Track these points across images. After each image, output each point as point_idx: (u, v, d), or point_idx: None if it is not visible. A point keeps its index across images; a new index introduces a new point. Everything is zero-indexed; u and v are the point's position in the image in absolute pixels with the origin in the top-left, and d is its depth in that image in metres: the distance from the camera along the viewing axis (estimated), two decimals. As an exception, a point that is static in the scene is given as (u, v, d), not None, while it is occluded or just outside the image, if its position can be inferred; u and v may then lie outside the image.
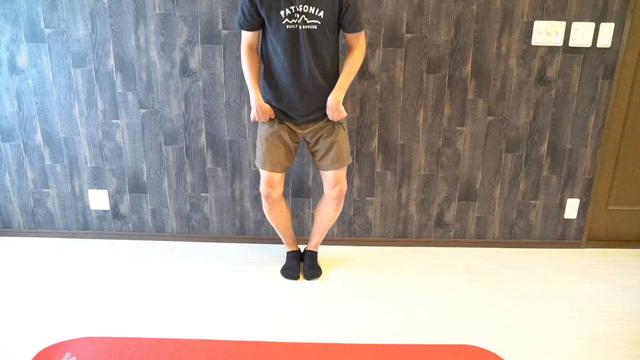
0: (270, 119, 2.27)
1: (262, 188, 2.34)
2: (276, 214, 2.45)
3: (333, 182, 2.32)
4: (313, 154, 2.36)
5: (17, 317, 2.18)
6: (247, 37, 2.18)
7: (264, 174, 2.33)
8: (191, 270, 2.57)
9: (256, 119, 2.25)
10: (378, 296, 2.37)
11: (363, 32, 2.19)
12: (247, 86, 2.23)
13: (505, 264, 2.69)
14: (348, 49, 2.22)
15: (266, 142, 2.28)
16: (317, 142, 2.29)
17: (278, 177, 2.32)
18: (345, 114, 2.22)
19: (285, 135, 2.28)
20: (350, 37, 2.18)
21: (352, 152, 2.68)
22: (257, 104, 2.20)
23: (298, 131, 2.29)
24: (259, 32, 2.18)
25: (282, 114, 2.26)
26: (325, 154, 2.29)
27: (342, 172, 2.33)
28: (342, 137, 2.30)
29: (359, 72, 2.54)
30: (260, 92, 2.28)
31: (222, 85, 2.59)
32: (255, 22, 2.12)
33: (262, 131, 2.30)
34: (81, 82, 2.60)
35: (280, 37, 2.09)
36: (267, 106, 2.23)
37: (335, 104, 2.18)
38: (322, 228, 2.51)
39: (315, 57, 2.13)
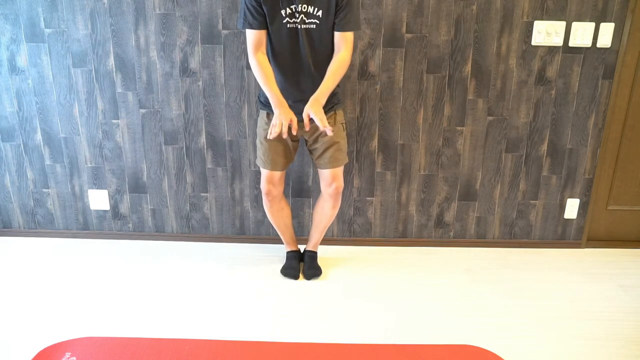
0: (268, 117, 2.26)
1: (263, 185, 2.35)
2: (276, 212, 2.45)
3: (330, 179, 2.32)
4: (311, 152, 2.36)
5: (17, 317, 2.18)
6: (255, 37, 2.10)
7: (264, 171, 2.33)
8: (191, 270, 2.57)
9: (275, 130, 2.00)
10: (378, 296, 2.37)
11: (352, 35, 2.13)
12: (260, 85, 2.09)
13: (505, 264, 2.69)
14: (335, 50, 2.15)
15: (266, 141, 2.28)
16: (316, 140, 2.29)
17: (278, 174, 2.33)
18: (329, 129, 1.97)
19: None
20: (338, 36, 2.11)
21: (352, 152, 2.68)
22: (281, 117, 1.98)
23: (297, 129, 2.28)
24: (267, 31, 2.11)
25: None
26: (323, 152, 2.29)
27: (339, 170, 2.34)
28: (341, 137, 2.30)
29: (358, 71, 2.54)
30: (261, 92, 2.28)
31: (222, 85, 2.59)
32: (264, 20, 2.07)
33: (261, 130, 2.30)
34: (81, 82, 2.60)
35: (280, 36, 2.10)
36: (292, 115, 2.03)
37: (315, 104, 2.01)
38: (321, 227, 2.52)
39: (315, 56, 2.13)
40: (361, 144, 2.68)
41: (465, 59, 2.54)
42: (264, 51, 2.15)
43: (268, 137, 2.07)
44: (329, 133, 1.98)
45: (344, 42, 2.11)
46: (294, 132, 2.09)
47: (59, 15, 2.49)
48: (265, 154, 2.29)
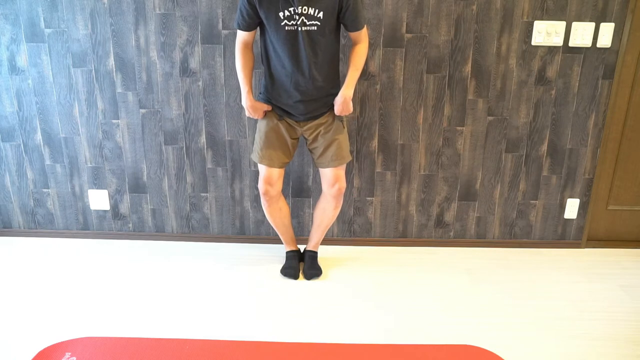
0: (269, 114, 2.28)
1: (260, 185, 2.35)
2: (274, 212, 2.45)
3: (332, 180, 2.32)
4: (312, 151, 2.36)
5: (17, 317, 2.18)
6: (242, 36, 2.19)
7: (262, 170, 2.33)
8: (191, 270, 2.57)
9: (251, 116, 2.29)
10: (378, 296, 2.38)
11: (365, 28, 2.21)
12: (240, 80, 2.24)
13: (505, 264, 2.69)
14: (352, 43, 2.24)
15: (265, 136, 2.28)
16: (315, 138, 2.29)
17: (276, 174, 2.32)
18: (352, 109, 2.24)
19: (284, 131, 2.28)
20: (354, 35, 2.20)
21: (352, 152, 2.68)
22: (248, 104, 2.23)
23: (297, 128, 2.29)
24: (255, 31, 2.20)
25: (282, 111, 2.26)
26: (324, 151, 2.29)
27: (342, 170, 2.33)
28: (342, 135, 2.30)
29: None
30: (262, 90, 2.30)
31: (222, 85, 2.59)
32: (253, 23, 2.13)
33: (262, 126, 2.30)
34: (81, 82, 2.60)
35: (279, 38, 2.09)
36: (258, 103, 2.25)
37: (345, 99, 2.20)
38: (322, 227, 2.51)
39: (315, 58, 2.13)
40: (361, 144, 2.68)
41: (465, 59, 2.54)
42: (250, 48, 2.24)
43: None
44: (350, 109, 2.24)
45: (359, 37, 2.21)
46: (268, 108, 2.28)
47: (59, 15, 2.49)
48: (263, 148, 2.29)
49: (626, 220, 2.88)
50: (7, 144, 2.74)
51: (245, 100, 2.22)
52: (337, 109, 2.23)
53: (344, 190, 2.36)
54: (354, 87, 2.22)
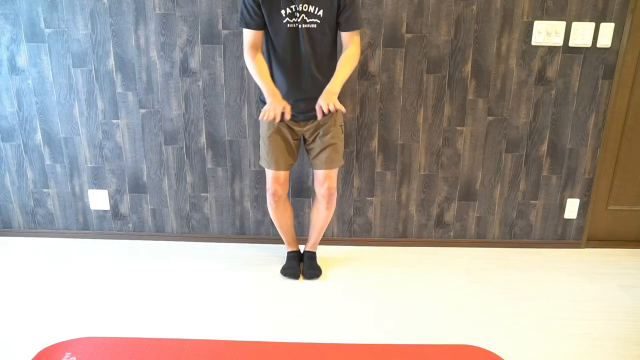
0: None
1: (269, 185, 2.35)
2: (280, 212, 2.45)
3: (322, 179, 2.33)
4: (308, 151, 2.37)
5: (17, 317, 2.18)
6: (251, 36, 2.12)
7: (270, 171, 2.34)
8: (191, 270, 2.57)
9: (265, 117, 2.01)
10: (378, 296, 2.38)
11: (358, 33, 2.16)
12: (258, 85, 2.13)
13: (505, 264, 2.69)
14: (342, 47, 2.18)
15: (268, 141, 2.29)
16: (314, 139, 2.30)
17: (284, 174, 2.34)
18: (340, 105, 1.98)
19: (286, 133, 2.29)
20: (345, 35, 2.15)
21: (352, 152, 2.68)
22: (274, 100, 2.03)
23: (297, 128, 2.29)
24: (263, 31, 2.15)
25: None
26: (319, 153, 2.30)
27: (333, 172, 2.34)
28: (339, 140, 2.31)
29: (358, 71, 2.54)
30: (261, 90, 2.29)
31: (222, 85, 2.59)
32: (261, 21, 2.10)
33: (264, 130, 2.30)
34: (81, 82, 2.60)
35: (280, 36, 2.10)
36: (285, 103, 2.06)
37: (328, 94, 2.01)
38: (318, 228, 2.52)
39: (315, 56, 2.14)
40: (361, 144, 2.68)
41: (465, 59, 2.54)
42: (260, 50, 2.16)
43: (259, 118, 2.09)
44: (343, 110, 1.99)
45: (351, 41, 2.15)
46: (287, 117, 2.08)
47: (59, 15, 2.49)
48: (269, 154, 2.30)
49: (626, 220, 2.88)
50: (7, 144, 2.74)
51: (272, 97, 2.04)
52: (320, 101, 2.00)
53: (334, 190, 2.36)
54: (340, 85, 2.08)
